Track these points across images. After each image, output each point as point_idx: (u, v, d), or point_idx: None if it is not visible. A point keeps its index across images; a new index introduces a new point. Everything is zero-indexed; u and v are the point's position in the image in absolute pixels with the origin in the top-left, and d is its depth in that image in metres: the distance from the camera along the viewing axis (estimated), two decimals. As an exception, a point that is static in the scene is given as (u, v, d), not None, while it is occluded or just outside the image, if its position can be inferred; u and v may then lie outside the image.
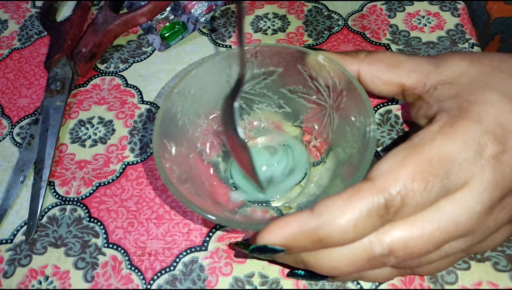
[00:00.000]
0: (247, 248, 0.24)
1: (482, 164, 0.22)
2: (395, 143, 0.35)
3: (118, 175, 0.35)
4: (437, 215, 0.22)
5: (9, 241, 0.33)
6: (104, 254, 0.32)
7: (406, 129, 0.36)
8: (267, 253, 0.23)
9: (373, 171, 0.23)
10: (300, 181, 0.33)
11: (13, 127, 0.39)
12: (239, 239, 0.31)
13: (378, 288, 0.29)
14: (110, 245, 0.32)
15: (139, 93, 0.40)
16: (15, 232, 0.33)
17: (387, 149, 0.35)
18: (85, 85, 0.41)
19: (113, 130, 0.38)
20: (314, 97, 0.32)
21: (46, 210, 0.34)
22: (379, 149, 0.35)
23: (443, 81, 0.27)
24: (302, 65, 0.31)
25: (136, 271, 0.31)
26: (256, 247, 0.24)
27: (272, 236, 0.23)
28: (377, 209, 0.21)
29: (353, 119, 0.29)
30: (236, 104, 0.27)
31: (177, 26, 0.43)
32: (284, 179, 0.33)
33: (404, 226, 0.22)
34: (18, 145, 0.38)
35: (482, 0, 0.48)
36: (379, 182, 0.22)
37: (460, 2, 0.43)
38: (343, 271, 0.23)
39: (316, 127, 0.34)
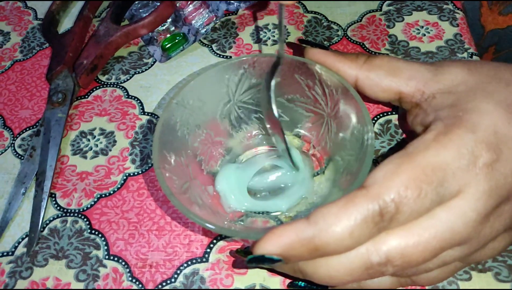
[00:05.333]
0: (246, 256, 0.24)
1: (476, 173, 0.22)
2: (393, 151, 0.35)
3: (119, 186, 0.35)
4: (432, 223, 0.22)
5: (10, 253, 0.33)
6: (105, 266, 0.32)
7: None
8: (264, 263, 0.23)
9: (368, 179, 0.23)
10: (304, 194, 0.33)
11: (15, 138, 0.40)
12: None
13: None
14: (111, 257, 0.32)
15: (140, 104, 0.40)
16: (16, 244, 0.33)
17: (385, 157, 0.35)
18: (86, 96, 0.42)
19: (114, 141, 0.38)
20: (312, 105, 0.32)
21: (48, 222, 0.34)
22: (378, 159, 0.35)
23: (442, 90, 0.27)
24: (300, 75, 0.32)
25: (137, 283, 0.31)
26: (253, 257, 0.24)
27: (268, 246, 0.23)
28: (372, 216, 0.22)
29: (351, 127, 0.29)
30: (273, 82, 0.29)
31: (177, 38, 0.43)
32: (288, 191, 0.33)
33: (401, 233, 0.22)
34: (19, 156, 0.38)
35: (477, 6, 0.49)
36: (374, 190, 0.22)
37: (459, 11, 0.43)
38: (340, 280, 0.23)
39: (314, 135, 0.34)
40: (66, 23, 0.48)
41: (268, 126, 0.33)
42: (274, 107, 0.29)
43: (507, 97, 0.25)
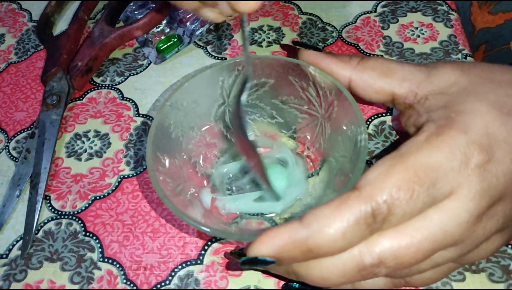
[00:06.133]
0: (240, 258, 0.24)
1: (468, 174, 0.22)
2: (386, 152, 0.35)
3: (113, 188, 0.35)
4: (425, 224, 0.22)
5: (4, 256, 0.33)
6: (99, 269, 0.32)
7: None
8: (258, 264, 0.24)
9: (361, 180, 0.23)
10: (298, 195, 0.33)
11: (9, 141, 0.39)
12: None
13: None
14: (106, 260, 0.32)
15: (135, 106, 0.40)
16: (11, 247, 0.33)
17: (379, 158, 0.35)
18: (81, 98, 0.42)
19: (109, 143, 0.38)
20: (306, 107, 0.33)
21: (42, 224, 0.34)
22: (373, 160, 0.35)
23: (434, 91, 0.27)
24: (294, 76, 0.32)
25: (132, 285, 0.31)
26: (247, 259, 0.24)
27: (262, 248, 0.23)
28: (364, 218, 0.22)
29: (344, 128, 0.29)
30: (243, 98, 0.27)
31: (172, 39, 0.43)
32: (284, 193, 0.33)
33: (393, 235, 0.23)
34: (14, 159, 0.38)
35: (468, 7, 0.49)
36: (366, 191, 0.22)
37: (453, 13, 0.43)
38: (334, 282, 0.23)
39: (309, 136, 0.34)
40: (61, 25, 0.48)
41: (244, 157, 0.29)
42: (249, 132, 0.26)
43: (500, 98, 0.25)
